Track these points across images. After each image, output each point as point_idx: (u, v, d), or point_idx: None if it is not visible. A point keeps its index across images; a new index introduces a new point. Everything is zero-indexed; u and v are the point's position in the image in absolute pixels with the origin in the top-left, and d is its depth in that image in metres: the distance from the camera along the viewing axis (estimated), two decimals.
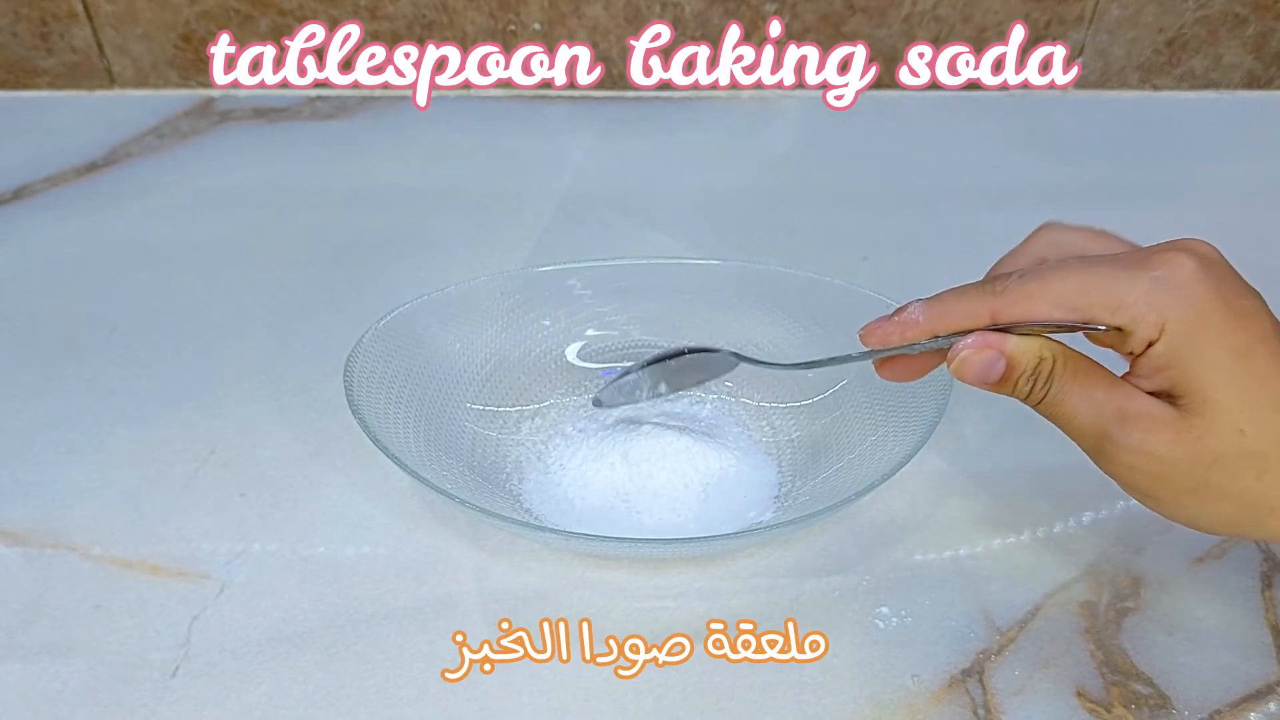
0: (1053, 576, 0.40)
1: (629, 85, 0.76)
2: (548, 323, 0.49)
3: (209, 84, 0.76)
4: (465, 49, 0.74)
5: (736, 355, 0.41)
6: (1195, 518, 0.33)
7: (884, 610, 0.39)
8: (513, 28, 0.73)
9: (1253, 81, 0.76)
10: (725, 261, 0.49)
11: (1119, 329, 0.31)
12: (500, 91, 0.76)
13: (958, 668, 0.37)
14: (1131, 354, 0.32)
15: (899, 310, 0.35)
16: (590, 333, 0.49)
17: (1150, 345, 0.31)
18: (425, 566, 0.40)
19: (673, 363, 0.41)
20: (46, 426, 0.47)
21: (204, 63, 0.75)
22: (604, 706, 0.36)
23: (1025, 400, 0.34)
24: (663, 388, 0.42)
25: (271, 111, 0.74)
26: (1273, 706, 0.36)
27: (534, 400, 0.47)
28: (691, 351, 0.41)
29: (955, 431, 0.46)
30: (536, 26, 0.73)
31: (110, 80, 0.76)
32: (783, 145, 0.71)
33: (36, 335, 0.53)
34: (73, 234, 0.61)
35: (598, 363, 0.49)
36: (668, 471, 0.42)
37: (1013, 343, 0.33)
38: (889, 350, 0.36)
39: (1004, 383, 0.34)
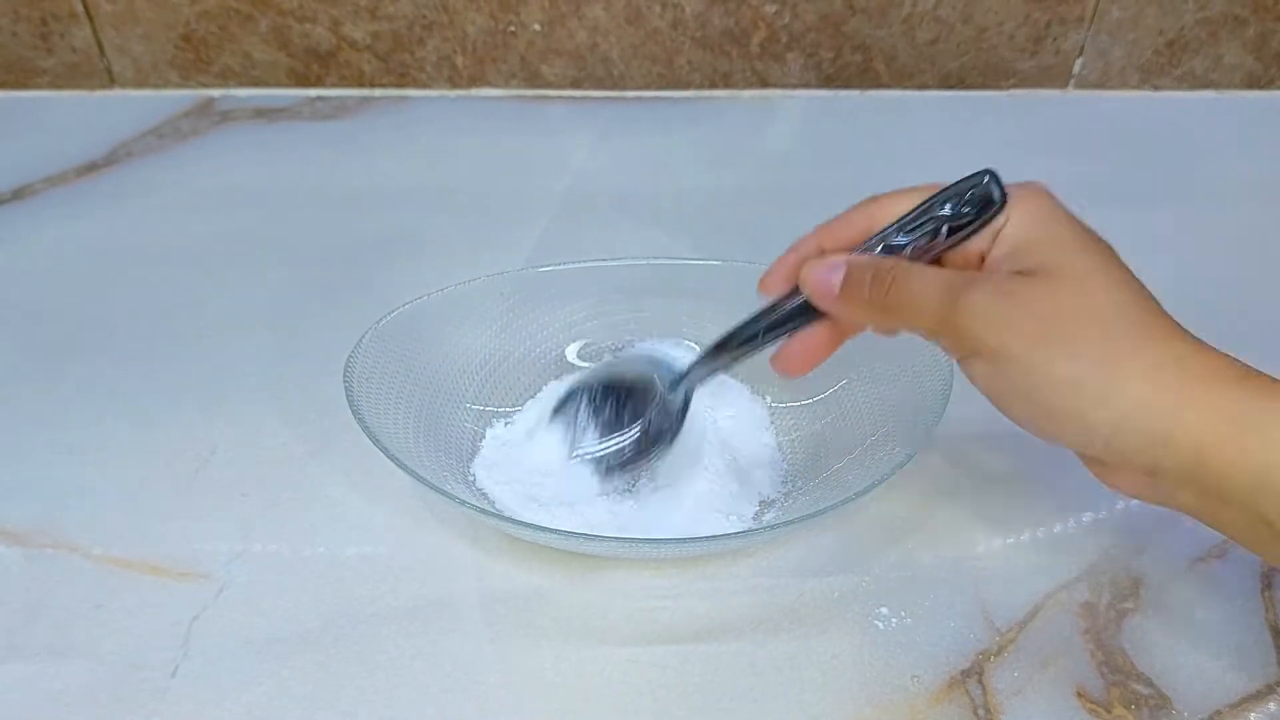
0: (1053, 576, 0.40)
1: (629, 85, 0.76)
2: (548, 323, 0.49)
3: (209, 84, 0.76)
4: (465, 49, 0.74)
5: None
6: (1041, 382, 0.31)
7: (884, 610, 0.39)
8: (513, 28, 0.73)
9: (1253, 82, 0.76)
10: (725, 261, 0.49)
11: (985, 196, 0.33)
12: (500, 91, 0.77)
13: (958, 668, 0.37)
14: (981, 260, 0.34)
15: (790, 247, 0.37)
16: (590, 333, 0.49)
17: (997, 236, 0.34)
18: (425, 566, 0.40)
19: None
20: (46, 426, 0.47)
21: (204, 63, 0.75)
22: (604, 706, 0.36)
23: (871, 308, 0.34)
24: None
25: (271, 111, 0.74)
26: (1273, 706, 0.35)
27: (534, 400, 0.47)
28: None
29: (955, 431, 0.46)
30: (536, 27, 0.73)
31: (110, 80, 0.76)
32: (783, 145, 0.71)
33: (36, 335, 0.53)
34: (73, 234, 0.61)
35: (597, 363, 0.49)
36: (669, 471, 0.42)
37: (850, 256, 0.35)
38: (785, 323, 0.37)
39: (850, 288, 0.34)
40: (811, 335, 0.37)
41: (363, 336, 0.43)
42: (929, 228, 0.34)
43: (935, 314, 0.33)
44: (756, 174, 0.67)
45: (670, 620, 0.38)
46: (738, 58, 0.74)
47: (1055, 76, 0.76)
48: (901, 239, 0.35)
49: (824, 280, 0.35)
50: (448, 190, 0.65)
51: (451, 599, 0.39)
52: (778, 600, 0.39)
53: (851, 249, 0.36)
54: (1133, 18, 0.73)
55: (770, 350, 0.38)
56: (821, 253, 0.36)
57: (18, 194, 0.65)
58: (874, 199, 0.36)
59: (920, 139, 0.71)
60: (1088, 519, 0.42)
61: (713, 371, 0.40)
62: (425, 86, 0.76)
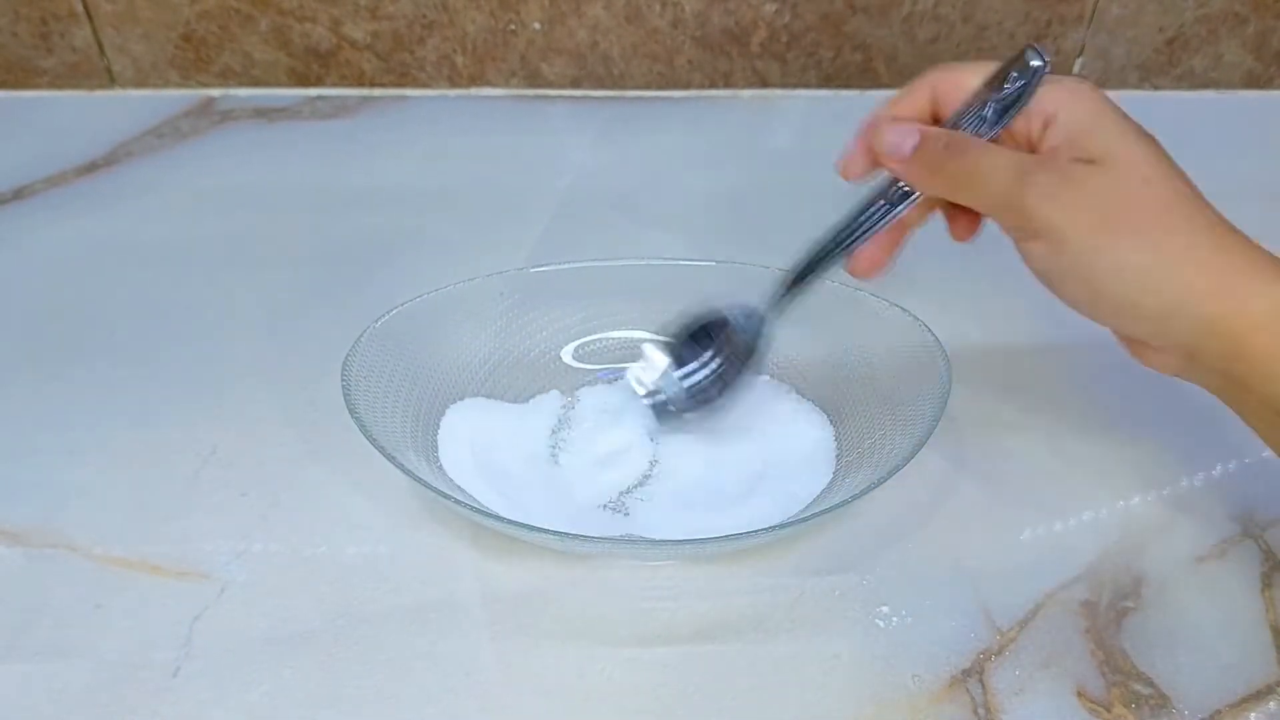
0: (1053, 576, 0.40)
1: (629, 85, 0.76)
2: (547, 323, 0.49)
3: (209, 84, 0.76)
4: (465, 48, 0.74)
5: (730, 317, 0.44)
6: (1098, 266, 0.33)
7: (884, 610, 0.39)
8: (513, 27, 0.73)
9: (1253, 81, 0.76)
10: (725, 261, 0.49)
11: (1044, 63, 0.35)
12: (500, 91, 0.77)
13: (958, 667, 0.37)
14: (1030, 145, 0.36)
15: (857, 132, 0.39)
16: (589, 333, 0.49)
17: (1048, 124, 0.35)
18: (425, 566, 0.40)
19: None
20: (46, 426, 0.47)
21: (204, 63, 0.75)
22: (604, 706, 0.36)
23: (939, 173, 0.36)
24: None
25: (271, 111, 0.74)
26: (1273, 706, 0.35)
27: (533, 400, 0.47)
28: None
29: (955, 431, 0.46)
30: (536, 26, 0.73)
31: (110, 80, 0.76)
32: (783, 145, 0.71)
33: (36, 335, 0.53)
34: (73, 234, 0.61)
35: (596, 363, 0.48)
36: (669, 469, 0.42)
37: (924, 126, 0.37)
38: (865, 227, 0.39)
39: (922, 152, 0.36)
40: (878, 239, 0.39)
41: (360, 336, 0.43)
42: (978, 111, 0.37)
43: (1002, 189, 0.35)
44: (756, 174, 0.67)
45: (670, 620, 0.38)
46: (738, 57, 0.74)
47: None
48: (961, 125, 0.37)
49: (897, 143, 0.36)
50: (448, 190, 0.65)
51: (451, 599, 0.39)
52: (778, 600, 0.39)
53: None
54: (1132, 15, 0.73)
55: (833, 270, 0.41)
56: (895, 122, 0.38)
57: (18, 194, 0.65)
58: (940, 71, 0.38)
59: None
60: (1088, 519, 0.42)
61: (791, 299, 0.42)
62: (425, 86, 0.76)
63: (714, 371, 0.44)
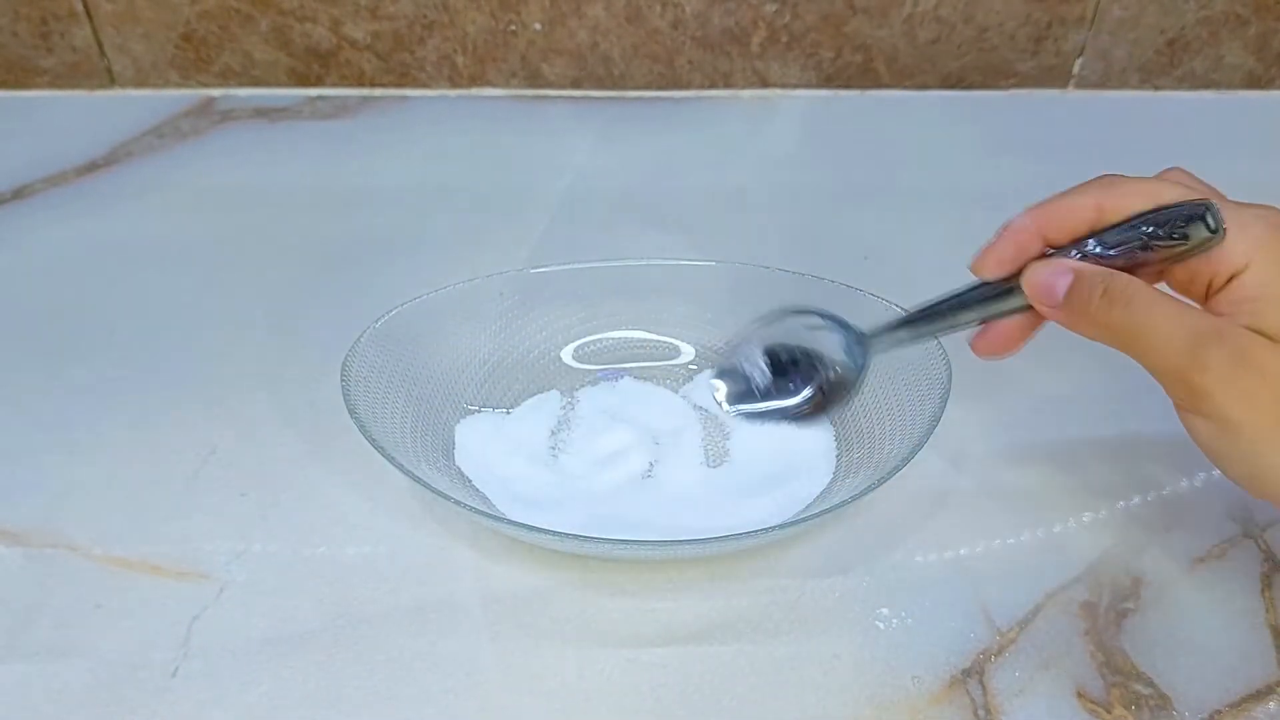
0: (1053, 576, 0.40)
1: (629, 85, 0.76)
2: (546, 323, 0.49)
3: (209, 83, 0.76)
4: (466, 48, 0.74)
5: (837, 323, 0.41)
6: (1272, 460, 0.31)
7: (884, 611, 0.39)
8: (513, 28, 0.73)
9: (1253, 82, 0.76)
10: (725, 262, 0.49)
11: (1213, 233, 0.32)
12: (500, 91, 0.77)
13: (958, 668, 0.37)
14: (1208, 290, 0.33)
15: (1002, 227, 0.35)
16: (589, 333, 0.49)
17: (1234, 276, 0.32)
18: (425, 566, 0.40)
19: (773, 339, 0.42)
20: (46, 426, 0.47)
21: (205, 62, 0.75)
22: (604, 706, 0.36)
23: (1095, 324, 0.33)
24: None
25: (271, 111, 0.74)
26: (1273, 706, 0.35)
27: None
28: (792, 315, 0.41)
29: (955, 431, 0.46)
30: (537, 26, 0.73)
31: (110, 80, 0.76)
32: (783, 145, 0.71)
33: (36, 335, 0.53)
34: (73, 234, 0.61)
35: (596, 364, 0.49)
36: (669, 469, 0.42)
37: (1079, 263, 0.33)
38: (982, 306, 0.36)
39: (1076, 298, 0.33)
40: (1011, 322, 0.36)
41: (360, 336, 0.43)
42: (1137, 243, 0.33)
43: (1170, 361, 0.32)
44: (756, 174, 0.67)
45: (670, 620, 0.38)
46: (738, 58, 0.74)
47: (1055, 76, 0.76)
48: (1110, 250, 0.34)
49: (1048, 285, 0.34)
50: (448, 190, 0.65)
51: (451, 599, 0.39)
52: (778, 600, 0.39)
53: (1073, 241, 0.34)
54: (1134, 17, 0.73)
55: (959, 333, 0.39)
56: (1044, 243, 0.35)
57: (18, 194, 0.65)
58: (1106, 185, 0.34)
59: (920, 139, 0.71)
60: (1088, 519, 0.42)
61: (898, 344, 0.40)
62: (425, 86, 0.76)
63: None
